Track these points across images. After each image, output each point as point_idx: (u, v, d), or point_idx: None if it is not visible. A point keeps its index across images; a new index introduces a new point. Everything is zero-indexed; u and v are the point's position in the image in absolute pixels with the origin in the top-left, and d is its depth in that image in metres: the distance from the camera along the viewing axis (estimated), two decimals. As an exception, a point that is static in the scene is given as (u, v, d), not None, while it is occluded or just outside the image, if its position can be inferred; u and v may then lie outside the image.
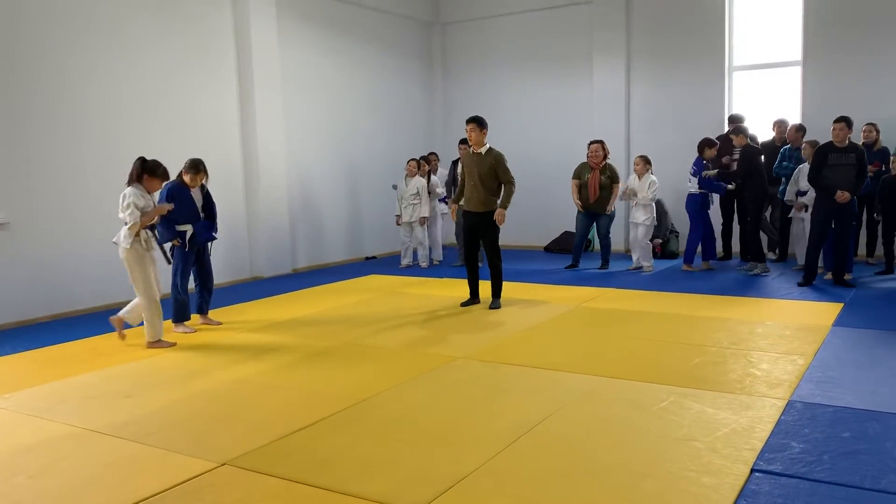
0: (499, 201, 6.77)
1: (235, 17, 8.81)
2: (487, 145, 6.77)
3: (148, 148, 7.70)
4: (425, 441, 3.63)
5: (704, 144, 8.77)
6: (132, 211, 5.47)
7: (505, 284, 7.06)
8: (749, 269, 8.45)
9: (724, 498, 2.90)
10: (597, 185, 8.99)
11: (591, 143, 9.17)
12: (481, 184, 6.69)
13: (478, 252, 7.11)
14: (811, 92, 9.57)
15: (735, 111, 10.06)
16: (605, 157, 9.10)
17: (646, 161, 8.79)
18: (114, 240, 5.68)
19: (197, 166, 6.19)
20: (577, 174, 9.17)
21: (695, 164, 8.78)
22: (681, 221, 10.44)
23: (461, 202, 7.09)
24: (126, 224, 5.48)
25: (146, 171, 5.61)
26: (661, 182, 8.99)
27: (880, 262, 8.41)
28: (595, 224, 9.30)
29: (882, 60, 9.13)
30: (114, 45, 7.53)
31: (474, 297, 7.05)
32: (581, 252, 9.42)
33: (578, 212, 9.26)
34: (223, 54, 8.75)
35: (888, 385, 4.26)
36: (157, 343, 5.70)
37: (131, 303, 5.81)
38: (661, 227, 9.99)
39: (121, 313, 5.82)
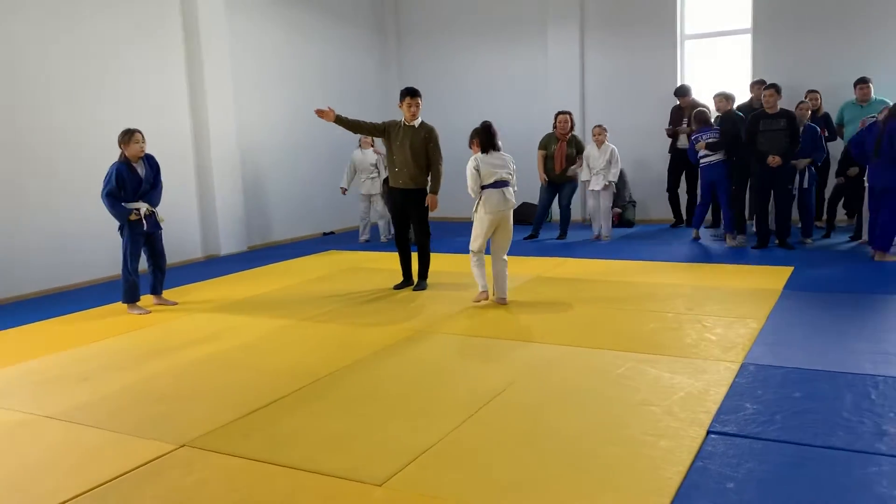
0: (429, 184, 6.39)
1: (181, -15, 8.56)
2: (420, 119, 6.43)
3: (91, 122, 7.53)
4: (387, 415, 3.63)
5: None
6: None
7: (464, 256, 7.03)
8: (723, 238, 8.43)
9: (681, 460, 2.96)
10: (563, 157, 8.97)
11: (559, 113, 9.07)
12: (412, 158, 6.29)
13: (408, 231, 6.67)
14: (760, 59, 9.70)
15: (687, 79, 10.15)
16: (572, 128, 9.08)
17: (604, 130, 8.83)
18: (513, 200, 6.05)
19: (127, 132, 5.95)
20: (544, 145, 9.10)
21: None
22: (640, 191, 10.56)
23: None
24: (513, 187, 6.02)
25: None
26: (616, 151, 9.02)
27: (850, 227, 8.59)
28: (557, 194, 9.29)
29: (829, 27, 9.28)
30: (55, 13, 7.23)
31: (407, 279, 6.68)
32: (542, 223, 9.43)
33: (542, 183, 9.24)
34: (169, 23, 8.47)
35: (836, 346, 4.38)
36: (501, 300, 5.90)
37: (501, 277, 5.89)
38: (620, 196, 10.06)
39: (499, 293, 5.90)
